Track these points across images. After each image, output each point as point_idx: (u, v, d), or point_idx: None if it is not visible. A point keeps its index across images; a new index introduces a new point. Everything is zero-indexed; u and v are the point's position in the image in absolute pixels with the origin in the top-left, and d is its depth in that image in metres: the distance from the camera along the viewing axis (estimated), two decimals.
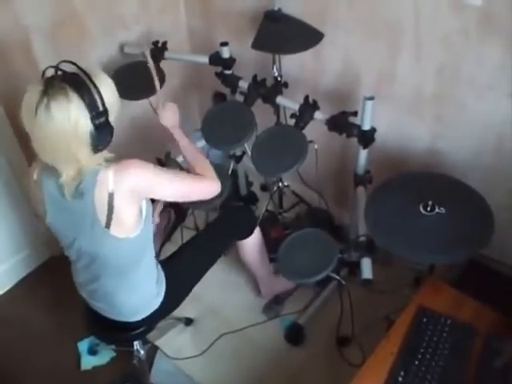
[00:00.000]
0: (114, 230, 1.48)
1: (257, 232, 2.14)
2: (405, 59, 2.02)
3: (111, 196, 1.43)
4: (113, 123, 1.43)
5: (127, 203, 1.47)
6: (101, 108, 1.36)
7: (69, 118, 1.32)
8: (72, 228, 1.55)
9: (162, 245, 2.50)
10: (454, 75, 1.92)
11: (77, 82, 1.34)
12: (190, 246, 1.95)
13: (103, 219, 1.46)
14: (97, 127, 1.36)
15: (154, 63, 2.35)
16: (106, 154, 1.48)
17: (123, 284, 1.66)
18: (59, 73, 1.36)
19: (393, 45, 2.02)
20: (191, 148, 1.82)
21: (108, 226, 1.47)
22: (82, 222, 1.50)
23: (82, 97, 1.32)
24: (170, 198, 1.65)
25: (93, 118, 1.34)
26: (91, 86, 1.34)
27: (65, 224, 1.56)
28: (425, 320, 1.58)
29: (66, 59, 1.37)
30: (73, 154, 1.38)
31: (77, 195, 1.45)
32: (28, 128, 1.37)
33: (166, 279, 1.78)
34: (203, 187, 1.68)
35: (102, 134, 1.38)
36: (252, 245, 2.15)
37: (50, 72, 1.36)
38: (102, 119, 1.37)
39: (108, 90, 1.40)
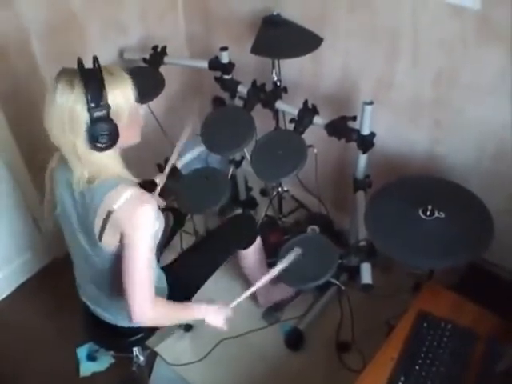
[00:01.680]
0: (105, 244, 1.48)
1: (257, 241, 2.14)
2: (403, 65, 2.02)
3: (109, 214, 1.41)
4: (120, 126, 1.39)
5: (116, 229, 1.44)
6: (102, 102, 1.33)
7: (67, 102, 1.32)
8: (75, 228, 1.55)
9: (162, 249, 2.49)
10: (452, 80, 1.92)
11: (88, 74, 1.34)
12: (191, 254, 1.95)
13: (97, 230, 1.46)
14: (93, 120, 1.33)
15: (154, 69, 2.38)
16: (120, 164, 1.46)
17: (118, 289, 1.65)
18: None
19: (391, 50, 2.02)
20: (181, 307, 1.68)
21: (100, 238, 1.47)
22: (83, 227, 1.51)
23: (86, 87, 1.31)
24: (125, 268, 1.46)
25: (90, 109, 1.32)
26: (98, 81, 1.33)
27: (70, 221, 1.55)
28: (425, 325, 1.58)
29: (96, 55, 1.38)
30: (71, 141, 1.37)
31: (85, 196, 1.45)
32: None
33: (168, 286, 1.78)
34: (139, 301, 1.48)
35: (99, 128, 1.35)
36: (252, 254, 2.15)
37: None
38: (101, 113, 1.34)
39: (119, 91, 1.37)
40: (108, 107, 1.35)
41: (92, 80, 1.33)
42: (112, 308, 1.70)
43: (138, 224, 1.43)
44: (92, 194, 1.44)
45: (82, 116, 1.33)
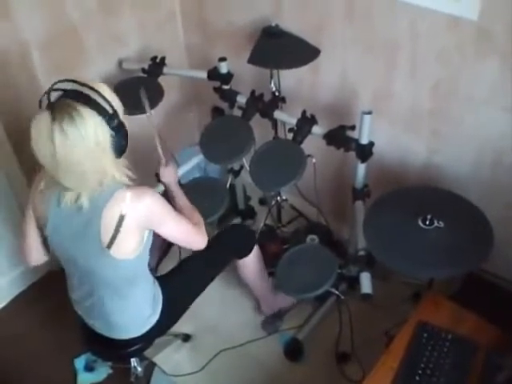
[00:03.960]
0: (114, 251, 1.48)
1: (255, 250, 2.12)
2: (401, 75, 2.03)
3: (122, 218, 1.44)
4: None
5: (134, 228, 1.48)
6: (111, 111, 1.36)
7: (86, 131, 1.31)
8: (71, 241, 1.54)
9: (160, 260, 2.49)
10: (450, 91, 1.93)
11: (79, 95, 1.33)
12: (188, 264, 1.94)
13: (106, 239, 1.46)
14: (115, 130, 1.37)
15: (153, 79, 2.39)
16: (127, 166, 1.49)
17: (118, 302, 1.65)
18: (56, 93, 1.36)
19: (389, 61, 2.03)
20: (187, 205, 1.83)
21: (109, 246, 1.47)
22: (82, 237, 1.50)
23: (91, 106, 1.32)
24: (169, 237, 1.64)
25: (108, 123, 1.35)
26: (94, 94, 1.34)
27: (64, 237, 1.55)
28: (425, 335, 1.57)
29: (62, 78, 1.37)
30: (101, 167, 1.40)
31: (84, 209, 1.45)
32: (46, 160, 1.36)
33: (163, 297, 1.77)
34: (197, 239, 1.71)
35: (120, 135, 1.40)
36: (251, 263, 2.13)
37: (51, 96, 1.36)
38: (116, 120, 1.37)
39: (110, 94, 1.40)
40: (116, 111, 1.38)
41: (90, 97, 1.33)
42: (107, 320, 1.70)
43: (156, 205, 1.51)
44: (93, 204, 1.44)
45: (105, 133, 1.35)
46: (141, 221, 1.49)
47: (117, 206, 1.44)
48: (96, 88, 1.36)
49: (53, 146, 1.31)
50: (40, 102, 1.36)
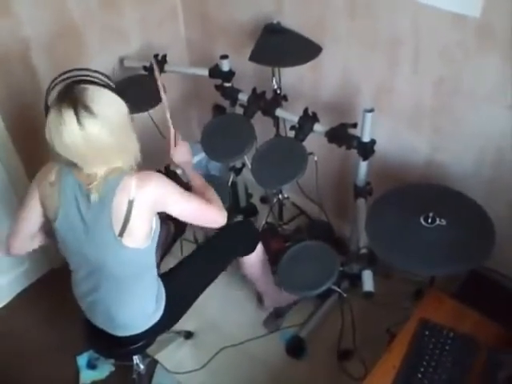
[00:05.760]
0: (126, 240, 1.49)
1: (259, 247, 2.12)
2: (404, 72, 2.02)
3: (131, 203, 1.45)
4: None
5: (144, 213, 1.50)
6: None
7: (111, 108, 1.41)
8: (81, 233, 1.54)
9: (162, 257, 2.48)
10: (452, 88, 1.93)
11: (88, 80, 1.43)
12: (191, 261, 1.94)
13: (118, 227, 1.47)
14: (127, 106, 1.47)
15: (154, 76, 2.38)
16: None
17: (123, 297, 1.66)
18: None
19: (392, 58, 2.03)
20: (199, 183, 1.84)
21: (121, 234, 1.48)
22: (94, 228, 1.51)
23: (104, 86, 1.42)
24: (181, 216, 1.65)
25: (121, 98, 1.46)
26: (99, 76, 1.45)
27: (74, 229, 1.55)
28: (427, 333, 1.57)
29: (62, 72, 1.47)
30: (125, 142, 1.47)
31: (96, 200, 1.47)
32: (72, 147, 1.38)
33: (166, 294, 1.77)
34: (212, 215, 1.71)
35: (131, 111, 1.49)
36: (255, 260, 2.12)
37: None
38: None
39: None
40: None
41: (100, 79, 1.45)
42: (110, 316, 1.70)
43: (162, 186, 1.53)
44: (103, 195, 1.47)
45: (124, 108, 1.46)
46: (149, 204, 1.50)
47: (125, 192, 1.46)
48: (93, 73, 1.45)
49: (81, 128, 1.35)
50: (47, 94, 1.44)
